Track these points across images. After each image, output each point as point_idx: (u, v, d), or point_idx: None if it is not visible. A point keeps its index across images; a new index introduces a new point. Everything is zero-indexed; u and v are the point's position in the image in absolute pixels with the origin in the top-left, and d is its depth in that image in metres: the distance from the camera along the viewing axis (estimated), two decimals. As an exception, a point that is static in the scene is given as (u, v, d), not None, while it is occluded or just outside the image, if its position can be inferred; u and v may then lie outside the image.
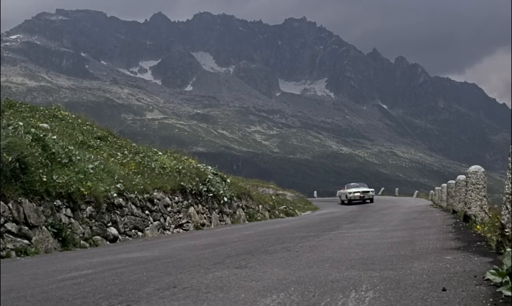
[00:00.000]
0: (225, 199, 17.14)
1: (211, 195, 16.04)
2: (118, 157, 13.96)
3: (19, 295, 3.67)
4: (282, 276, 3.80)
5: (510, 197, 3.85)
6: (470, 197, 8.59)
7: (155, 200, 12.61)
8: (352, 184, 36.40)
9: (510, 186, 3.85)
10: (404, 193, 58.64)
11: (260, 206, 21.64)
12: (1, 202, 7.44)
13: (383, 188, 62.44)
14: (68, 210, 9.08)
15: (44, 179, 8.58)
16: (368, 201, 32.77)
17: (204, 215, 15.43)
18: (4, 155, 7.80)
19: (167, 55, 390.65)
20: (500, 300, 2.65)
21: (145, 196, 12.17)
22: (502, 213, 4.05)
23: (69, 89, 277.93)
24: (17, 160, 8.03)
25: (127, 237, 10.79)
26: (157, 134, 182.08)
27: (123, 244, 9.70)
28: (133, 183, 11.89)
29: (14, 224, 7.57)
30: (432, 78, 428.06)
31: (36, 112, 16.58)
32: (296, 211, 26.91)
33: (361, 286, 3.21)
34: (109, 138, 16.57)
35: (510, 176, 3.87)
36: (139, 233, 11.36)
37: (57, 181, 8.88)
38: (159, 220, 12.59)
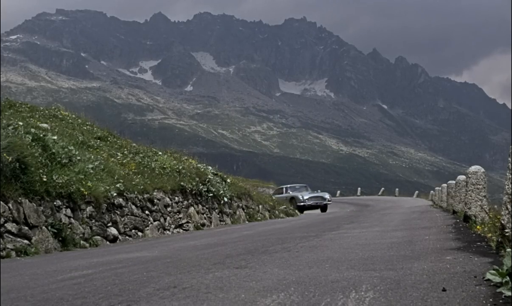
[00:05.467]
0: (225, 199, 17.14)
1: (211, 195, 16.04)
2: (118, 157, 13.96)
3: (19, 295, 3.67)
4: (282, 276, 3.80)
5: (510, 197, 3.85)
6: (470, 197, 8.59)
7: (155, 200, 12.61)
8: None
9: (510, 186, 3.85)
10: (404, 193, 58.64)
11: (260, 206, 21.63)
12: (1, 202, 7.44)
13: (383, 188, 62.45)
14: (68, 210, 9.08)
15: (44, 179, 8.58)
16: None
17: (204, 215, 15.43)
18: (4, 155, 7.80)
19: (167, 55, 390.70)
20: (500, 301, 2.65)
21: (145, 196, 12.17)
22: (502, 213, 4.05)
23: (69, 89, 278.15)
24: (17, 160, 8.03)
25: (127, 237, 10.79)
26: (157, 134, 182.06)
27: (123, 244, 9.71)
28: (133, 183, 11.89)
29: (14, 224, 7.57)
30: (432, 78, 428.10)
31: (36, 112, 16.57)
32: (296, 211, 26.92)
33: (361, 286, 3.21)
34: (109, 138, 16.56)
35: (510, 176, 3.87)
36: (139, 233, 11.36)
37: (57, 181, 8.88)
38: (159, 220, 12.59)
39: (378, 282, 3.33)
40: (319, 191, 29.83)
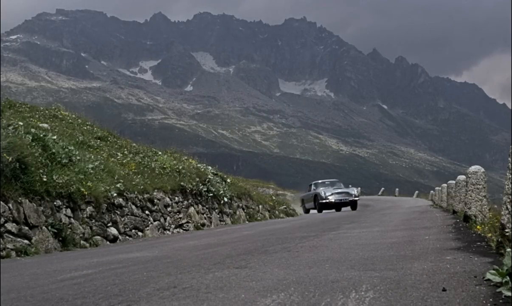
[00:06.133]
0: (225, 199, 17.15)
1: (211, 195, 16.05)
2: (118, 157, 13.96)
3: (19, 295, 3.67)
4: (282, 276, 3.80)
5: (510, 197, 3.85)
6: (470, 197, 8.59)
7: (155, 200, 12.61)
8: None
9: (510, 186, 3.85)
10: (404, 193, 58.66)
11: (260, 206, 21.64)
12: (1, 202, 7.44)
13: (383, 188, 62.49)
14: (68, 210, 9.08)
15: (44, 179, 8.58)
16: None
17: (204, 215, 15.43)
18: (4, 155, 7.80)
19: (167, 55, 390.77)
20: (500, 301, 2.65)
21: (145, 196, 12.18)
22: (502, 213, 4.05)
23: (69, 89, 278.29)
24: (17, 160, 8.03)
25: (127, 237, 10.79)
26: (157, 134, 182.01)
27: (123, 244, 9.71)
28: (133, 183, 11.89)
29: (14, 224, 7.57)
30: (432, 78, 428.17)
31: (36, 112, 16.58)
32: (296, 210, 26.92)
33: (361, 286, 3.21)
34: (109, 138, 16.56)
35: (510, 176, 3.87)
36: (139, 233, 11.36)
37: (57, 181, 8.88)
38: (159, 220, 12.60)
39: (378, 282, 3.34)
40: (350, 186, 26.31)
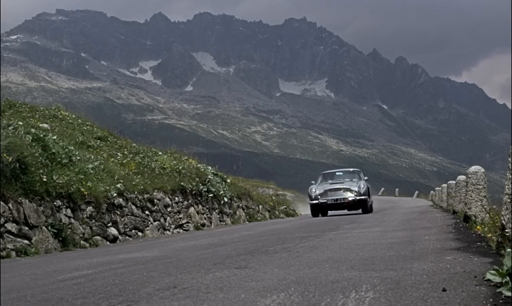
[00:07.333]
0: (225, 199, 17.15)
1: (211, 195, 16.05)
2: (118, 157, 13.97)
3: (19, 295, 3.67)
4: (282, 276, 3.80)
5: (510, 197, 3.85)
6: (470, 197, 8.59)
7: (155, 200, 12.62)
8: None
9: (510, 186, 3.85)
10: (404, 193, 58.66)
11: (260, 206, 21.64)
12: (1, 202, 7.44)
13: (383, 188, 62.50)
14: (68, 210, 9.08)
15: (44, 179, 8.58)
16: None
17: (204, 215, 15.44)
18: (4, 155, 7.80)
19: (167, 55, 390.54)
20: (500, 301, 2.65)
21: (145, 196, 12.18)
22: (502, 213, 4.05)
23: (69, 90, 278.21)
24: (17, 160, 8.04)
25: (127, 237, 10.79)
26: (157, 134, 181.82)
27: (123, 244, 9.71)
28: (133, 183, 11.90)
29: (14, 224, 7.58)
30: (432, 79, 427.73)
31: (36, 112, 16.59)
32: (296, 211, 26.93)
33: (361, 287, 3.21)
34: (109, 138, 16.58)
35: (510, 176, 3.87)
36: (139, 233, 11.37)
37: (57, 181, 8.88)
38: (159, 220, 12.60)
39: (378, 282, 3.34)
40: (366, 178, 18.49)
